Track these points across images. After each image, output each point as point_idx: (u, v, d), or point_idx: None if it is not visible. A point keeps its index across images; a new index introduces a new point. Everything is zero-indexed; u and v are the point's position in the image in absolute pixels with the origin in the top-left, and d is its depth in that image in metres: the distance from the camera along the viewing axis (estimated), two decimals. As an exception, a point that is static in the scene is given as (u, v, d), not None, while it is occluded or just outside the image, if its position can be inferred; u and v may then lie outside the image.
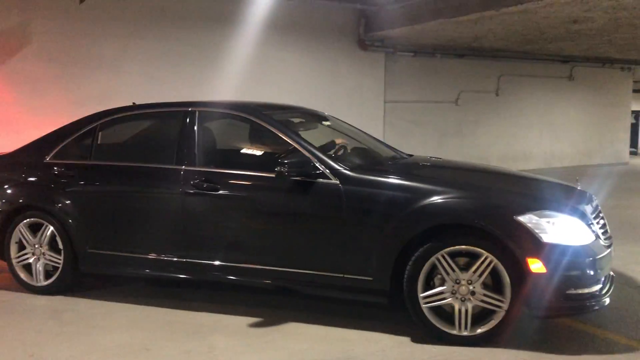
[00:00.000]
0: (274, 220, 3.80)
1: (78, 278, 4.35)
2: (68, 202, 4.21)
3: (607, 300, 3.29)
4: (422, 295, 3.31)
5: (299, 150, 3.70)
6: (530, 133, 13.56)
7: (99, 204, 4.25)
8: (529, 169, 13.24)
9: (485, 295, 3.24)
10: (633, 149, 17.63)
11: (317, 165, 3.61)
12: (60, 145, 4.43)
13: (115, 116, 4.44)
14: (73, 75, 8.01)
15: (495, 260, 3.20)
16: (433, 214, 3.34)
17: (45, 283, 4.31)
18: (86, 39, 8.09)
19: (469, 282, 3.25)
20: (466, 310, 3.26)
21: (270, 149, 4.10)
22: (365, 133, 4.98)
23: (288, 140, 3.80)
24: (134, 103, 4.60)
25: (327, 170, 3.59)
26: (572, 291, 3.18)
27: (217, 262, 3.86)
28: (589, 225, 3.35)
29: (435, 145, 11.98)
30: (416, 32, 9.70)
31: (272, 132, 3.90)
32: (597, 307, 3.27)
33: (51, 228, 4.25)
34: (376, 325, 3.65)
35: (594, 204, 3.70)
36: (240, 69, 9.17)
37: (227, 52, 9.10)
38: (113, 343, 3.42)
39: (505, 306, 3.21)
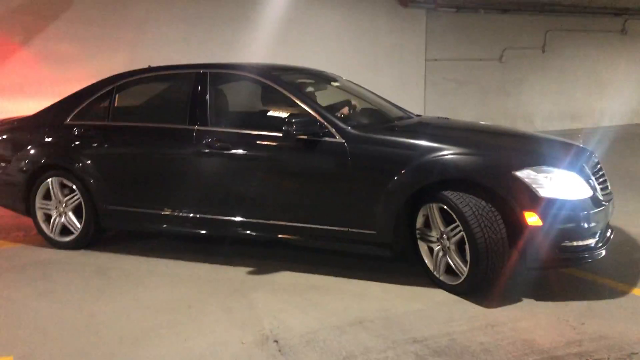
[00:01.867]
0: (283, 177, 3.95)
1: (99, 234, 4.58)
2: (88, 161, 4.40)
3: (602, 252, 3.39)
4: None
5: (306, 110, 3.85)
6: (578, 91, 13.04)
7: (117, 163, 4.42)
8: (576, 129, 12.82)
9: (454, 259, 3.44)
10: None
11: (323, 124, 3.74)
12: (80, 107, 4.60)
13: (131, 78, 4.61)
14: (108, 37, 8.10)
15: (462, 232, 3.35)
16: (434, 170, 3.45)
17: (68, 239, 4.53)
18: (119, 2, 8.12)
19: (447, 237, 3.45)
20: (439, 260, 3.51)
21: (279, 109, 4.22)
22: (374, 94, 5.02)
23: (296, 100, 3.95)
24: (149, 66, 4.73)
25: (333, 129, 3.72)
26: (567, 243, 3.28)
27: (230, 218, 4.04)
28: (587, 180, 3.42)
29: (478, 104, 11.70)
30: (459, -13, 9.36)
31: (281, 92, 4.03)
32: (591, 259, 3.37)
33: (76, 191, 4.45)
34: (413, 284, 3.64)
35: (594, 160, 3.78)
36: (277, 29, 9.07)
37: (262, 12, 9.00)
38: (157, 299, 3.53)
39: (464, 273, 3.36)
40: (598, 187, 3.52)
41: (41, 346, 2.94)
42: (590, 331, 2.94)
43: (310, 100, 4.00)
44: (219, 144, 4.00)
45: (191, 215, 4.15)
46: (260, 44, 8.94)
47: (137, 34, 8.25)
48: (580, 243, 3.31)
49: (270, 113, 4.33)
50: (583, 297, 3.41)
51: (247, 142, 4.02)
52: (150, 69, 4.64)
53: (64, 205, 4.52)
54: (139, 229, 4.49)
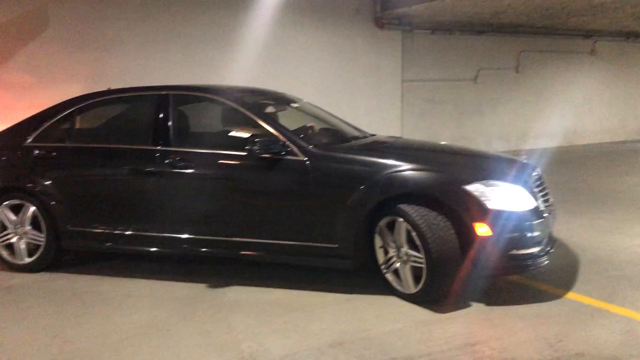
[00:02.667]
0: (247, 195, 4.06)
1: (60, 255, 4.56)
2: (48, 182, 4.40)
3: (546, 260, 3.63)
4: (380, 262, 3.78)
5: (269, 130, 3.99)
6: (551, 110, 13.30)
7: (78, 184, 4.44)
8: (551, 147, 13.05)
9: (412, 255, 3.58)
10: (657, 125, 17.21)
11: (286, 143, 3.90)
12: (40, 129, 4.60)
13: (92, 101, 4.65)
14: (87, 59, 8.05)
15: (405, 223, 3.56)
16: (390, 185, 3.64)
17: (29, 260, 4.49)
18: (100, 23, 8.11)
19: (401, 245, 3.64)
20: (403, 270, 3.65)
21: (242, 129, 4.30)
22: (331, 114, 5.19)
23: (258, 121, 4.09)
24: (109, 88, 4.79)
25: (295, 148, 3.88)
26: (515, 252, 3.50)
27: (194, 237, 4.12)
28: (531, 192, 3.66)
29: (454, 124, 11.85)
30: (434, 9, 9.54)
31: (244, 113, 4.18)
32: (537, 266, 3.61)
33: (32, 208, 4.43)
34: (393, 305, 3.65)
35: (537, 174, 4.03)
36: (254, 50, 9.12)
37: (241, 33, 9.06)
38: (134, 324, 3.47)
39: (424, 262, 3.50)
40: (540, 199, 3.76)
41: (14, 374, 2.87)
42: (568, 348, 2.97)
43: (272, 120, 4.16)
44: (182, 164, 4.09)
45: (155, 234, 4.20)
46: (239, 64, 8.97)
47: (112, 54, 8.21)
48: (526, 251, 3.53)
49: (233, 133, 4.44)
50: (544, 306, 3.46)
51: (210, 161, 4.13)
52: (110, 91, 4.69)
53: (22, 227, 4.48)
54: (101, 250, 4.48)
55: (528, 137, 12.90)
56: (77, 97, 4.70)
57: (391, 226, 3.71)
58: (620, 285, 3.88)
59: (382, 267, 3.79)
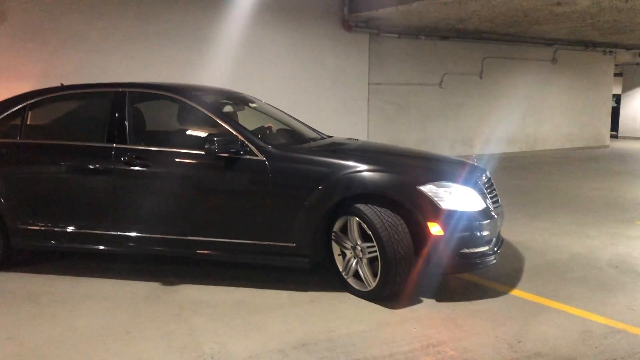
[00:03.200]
0: (204, 194, 4.06)
1: (9, 254, 4.42)
2: None
3: (495, 258, 3.82)
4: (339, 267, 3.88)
5: (227, 129, 3.99)
6: (514, 116, 13.63)
7: (29, 181, 4.35)
8: (512, 152, 13.34)
9: (368, 246, 3.68)
10: (614, 132, 17.82)
11: (244, 142, 3.91)
12: None
13: (44, 96, 4.55)
14: (51, 54, 7.85)
15: (354, 218, 3.70)
16: (348, 186, 3.72)
17: None
18: (64, 17, 7.92)
19: (355, 243, 3.75)
20: (362, 266, 3.75)
21: (199, 128, 4.29)
22: (289, 115, 5.23)
23: (217, 120, 4.10)
24: (61, 84, 4.68)
25: (254, 148, 3.90)
26: (466, 250, 3.65)
27: (149, 235, 4.10)
28: (481, 194, 3.82)
29: (419, 127, 12.00)
30: (401, 13, 9.64)
31: (202, 112, 4.16)
32: (486, 264, 3.79)
33: None
34: (356, 306, 3.66)
35: (486, 177, 4.18)
36: (222, 49, 9.06)
37: (209, 33, 8.98)
38: (93, 326, 3.39)
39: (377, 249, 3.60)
40: (489, 201, 3.91)
41: (-36, 378, 2.77)
42: (527, 349, 3.03)
43: (231, 119, 4.14)
44: (138, 162, 4.05)
45: (109, 232, 4.15)
46: (206, 64, 8.89)
47: (70, 50, 8.02)
48: (476, 250, 3.70)
49: (191, 132, 4.41)
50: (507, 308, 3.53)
51: (167, 159, 4.11)
52: (64, 87, 4.58)
53: None
54: (52, 248, 4.41)
55: (491, 142, 13.17)
56: (28, 92, 4.57)
57: (344, 229, 3.82)
58: (572, 286, 3.99)
59: (343, 273, 3.86)
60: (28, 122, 4.47)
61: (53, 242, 4.27)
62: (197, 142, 4.04)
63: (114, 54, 8.28)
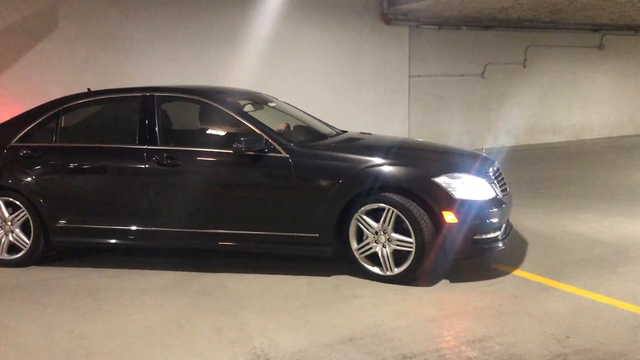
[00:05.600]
0: (232, 190, 4.33)
1: (48, 251, 4.75)
2: (36, 180, 4.57)
3: (504, 244, 4.03)
4: (355, 247, 4.06)
5: (252, 129, 4.25)
6: (559, 105, 13.30)
7: (66, 182, 4.59)
8: (557, 142, 13.04)
9: (398, 240, 3.92)
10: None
11: (269, 141, 4.16)
12: (25, 130, 4.75)
13: (77, 102, 4.80)
14: (98, 58, 8.12)
15: (397, 211, 3.89)
16: (367, 179, 3.95)
17: (15, 256, 4.65)
18: (110, 21, 8.17)
19: (383, 231, 3.94)
20: (387, 254, 3.95)
21: (225, 128, 4.60)
22: (306, 113, 5.40)
23: (242, 120, 4.35)
24: (88, 89, 4.96)
25: (278, 146, 4.16)
26: (478, 236, 3.91)
27: (182, 230, 4.36)
28: (491, 183, 4.08)
29: (462, 119, 11.85)
30: (440, 5, 9.54)
31: (226, 113, 4.43)
32: (497, 249, 4.02)
33: (23, 209, 4.57)
34: (400, 302, 3.70)
35: (496, 167, 4.43)
36: (262, 46, 9.17)
37: (248, 30, 9.09)
38: (148, 320, 3.54)
39: (413, 247, 3.87)
40: (499, 190, 4.16)
41: (32, 370, 2.94)
42: (575, 344, 3.01)
43: (254, 119, 4.36)
44: (169, 161, 4.30)
45: (142, 229, 4.41)
46: (245, 62, 9.02)
47: (123, 53, 8.28)
48: (488, 236, 3.95)
49: (217, 131, 4.71)
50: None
51: (196, 158, 4.37)
52: (96, 92, 4.84)
53: (9, 223, 4.62)
54: (89, 245, 4.70)
55: (535, 132, 12.90)
56: (61, 99, 4.83)
57: (369, 214, 4.00)
58: (623, 280, 3.93)
59: (357, 252, 4.05)
60: (62, 126, 4.73)
61: (90, 238, 4.55)
62: (223, 142, 4.40)
63: (159, 55, 8.50)
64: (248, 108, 4.80)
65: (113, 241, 4.50)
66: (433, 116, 11.50)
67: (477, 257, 4.30)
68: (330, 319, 3.45)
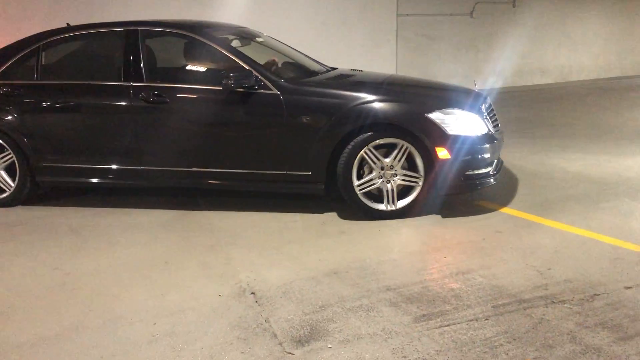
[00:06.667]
0: (222, 128, 4.21)
1: (35, 190, 4.65)
2: (19, 120, 4.42)
3: (494, 180, 4.11)
4: (356, 184, 3.98)
5: (242, 65, 4.12)
6: (547, 46, 13.14)
7: (50, 121, 4.47)
8: (545, 84, 12.97)
9: (405, 174, 3.98)
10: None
11: (258, 77, 4.05)
12: (3, 67, 4.55)
13: (56, 37, 4.60)
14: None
15: (410, 147, 3.92)
16: (360, 115, 3.90)
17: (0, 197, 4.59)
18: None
19: (391, 166, 3.94)
20: (392, 189, 3.97)
21: (213, 64, 4.42)
22: (294, 49, 5.23)
23: (230, 56, 4.21)
24: (67, 24, 4.74)
25: (268, 82, 4.06)
26: (470, 172, 3.96)
27: (172, 169, 4.28)
28: (484, 119, 4.07)
29: (450, 59, 11.69)
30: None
31: (214, 48, 4.26)
32: (488, 185, 4.10)
33: (9, 151, 4.48)
34: (387, 237, 3.73)
35: (488, 103, 4.37)
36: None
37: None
38: (133, 257, 3.54)
39: (420, 182, 3.98)
40: (491, 125, 4.16)
41: (17, 302, 2.94)
42: (556, 275, 3.06)
43: (244, 55, 4.22)
44: (156, 99, 4.17)
45: (131, 167, 4.33)
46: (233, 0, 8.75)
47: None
48: (480, 171, 4.00)
49: (205, 68, 4.50)
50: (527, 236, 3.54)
51: (184, 96, 4.24)
52: (77, 27, 4.63)
53: None
54: (75, 184, 4.63)
55: (523, 73, 12.80)
56: (39, 34, 4.62)
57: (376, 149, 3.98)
58: (604, 214, 3.98)
59: (358, 188, 3.99)
60: (43, 63, 4.55)
61: (77, 178, 4.46)
62: (211, 78, 4.26)
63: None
64: (235, 43, 4.62)
65: (100, 180, 4.42)
66: (421, 56, 11.33)
67: (468, 192, 4.32)
68: (316, 254, 3.48)
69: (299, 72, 4.77)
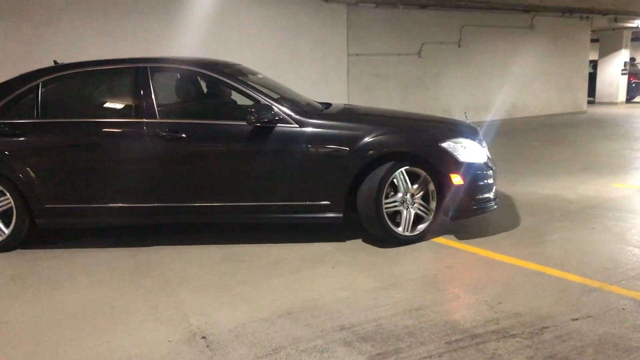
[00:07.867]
0: (241, 162, 4.19)
1: (33, 233, 4.39)
2: (18, 161, 4.18)
3: (496, 204, 4.39)
4: (384, 202, 4.12)
5: (261, 99, 4.20)
6: (492, 84, 13.67)
7: (55, 160, 4.24)
8: (491, 120, 13.42)
9: (421, 204, 4.24)
10: (591, 98, 17.97)
11: (277, 111, 4.12)
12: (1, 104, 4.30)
13: (57, 74, 4.41)
14: (15, 31, 7.64)
15: (427, 176, 4.19)
16: (378, 146, 4.10)
17: None
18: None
19: (412, 194, 4.20)
20: (409, 216, 4.21)
21: (229, 100, 4.58)
22: (285, 87, 5.19)
23: (250, 93, 4.25)
24: (55, 62, 4.58)
25: (287, 116, 4.13)
26: (480, 196, 4.26)
27: (192, 204, 4.21)
28: (483, 148, 4.41)
29: (399, 98, 11.99)
30: (378, -18, 9.54)
31: (228, 83, 4.35)
32: (492, 209, 4.38)
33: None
34: (341, 275, 3.71)
35: (480, 134, 4.64)
36: (196, 22, 8.92)
37: (185, 6, 8.80)
38: (77, 302, 3.39)
39: (432, 213, 4.26)
40: (488, 154, 4.48)
41: (-50, 358, 2.76)
42: (506, 309, 3.11)
43: (261, 91, 4.30)
44: (175, 135, 4.11)
45: (145, 205, 4.19)
46: (180, 38, 8.73)
47: (48, 29, 7.83)
48: (487, 195, 4.30)
49: (224, 104, 4.63)
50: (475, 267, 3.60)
51: (203, 131, 4.23)
52: (85, 63, 4.45)
53: None
54: (82, 225, 4.50)
55: (470, 110, 13.19)
56: (38, 71, 4.40)
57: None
58: (550, 248, 4.09)
59: (385, 206, 4.12)
60: (44, 101, 4.30)
61: (85, 218, 4.28)
62: (230, 113, 4.44)
63: (80, 29, 8.08)
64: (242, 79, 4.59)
65: (113, 219, 4.29)
66: (372, 95, 11.57)
67: (475, 215, 4.43)
68: (269, 295, 3.42)
69: (307, 107, 4.66)
